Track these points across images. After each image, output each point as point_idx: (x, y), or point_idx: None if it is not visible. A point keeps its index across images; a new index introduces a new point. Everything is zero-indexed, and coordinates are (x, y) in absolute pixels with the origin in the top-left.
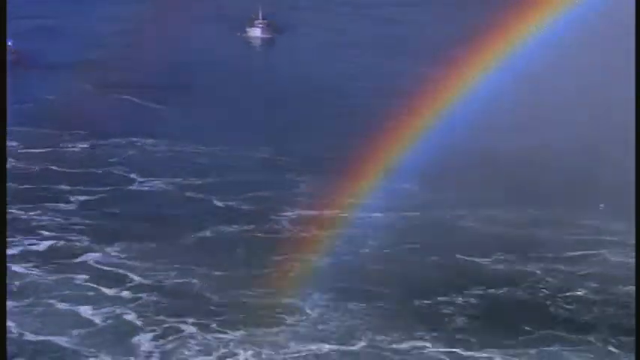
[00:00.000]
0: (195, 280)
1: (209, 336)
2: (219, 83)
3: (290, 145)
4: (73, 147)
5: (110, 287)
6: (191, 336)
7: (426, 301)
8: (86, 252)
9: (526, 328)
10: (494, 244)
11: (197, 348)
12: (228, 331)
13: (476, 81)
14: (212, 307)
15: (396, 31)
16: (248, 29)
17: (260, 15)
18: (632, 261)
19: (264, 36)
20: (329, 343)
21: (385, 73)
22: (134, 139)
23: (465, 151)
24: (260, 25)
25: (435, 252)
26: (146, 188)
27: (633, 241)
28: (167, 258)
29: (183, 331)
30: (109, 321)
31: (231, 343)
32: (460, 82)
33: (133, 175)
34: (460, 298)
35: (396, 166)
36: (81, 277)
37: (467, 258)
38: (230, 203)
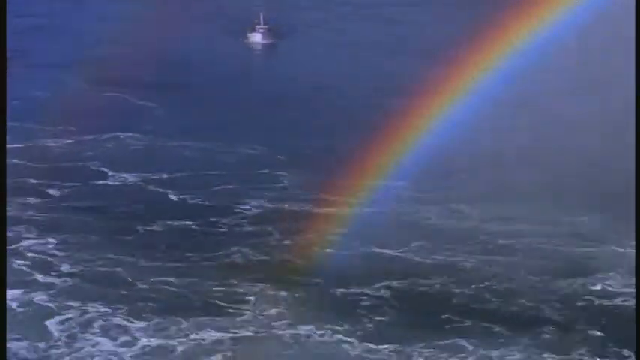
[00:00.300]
0: (120, 269)
1: (119, 321)
2: (216, 83)
3: (283, 143)
4: (53, 142)
5: (37, 274)
6: (100, 320)
7: (350, 291)
8: (26, 241)
9: (450, 320)
10: (446, 239)
11: (103, 332)
12: (139, 318)
13: (475, 81)
14: (130, 294)
15: (396, 31)
16: (249, 34)
17: (261, 20)
18: (578, 251)
19: (265, 41)
20: (242, 332)
21: (385, 72)
22: (120, 134)
23: (462, 151)
24: (261, 31)
25: (377, 245)
26: (115, 183)
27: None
28: (104, 249)
29: (94, 315)
30: (27, 306)
31: (139, 330)
32: (460, 82)
33: (105, 170)
34: (388, 290)
35: (390, 165)
36: (13, 264)
37: (410, 252)
38: (193, 197)
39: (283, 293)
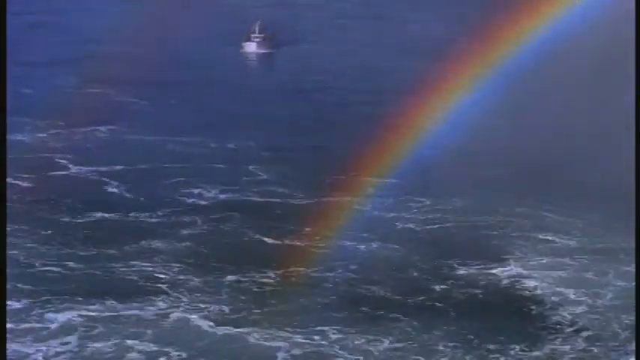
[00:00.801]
0: (17, 252)
1: None
2: (209, 82)
3: (273, 140)
4: (27, 136)
5: None
6: None
7: (244, 279)
8: None
9: (323, 308)
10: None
11: None
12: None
13: (476, 80)
14: (16, 277)
15: (395, 30)
16: (244, 44)
17: (257, 29)
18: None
19: (260, 51)
20: (107, 313)
21: (385, 71)
22: (100, 128)
23: (459, 149)
24: (256, 40)
25: (297, 236)
26: (70, 174)
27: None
28: (15, 236)
29: None
30: None
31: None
32: (460, 81)
33: (67, 163)
34: (282, 278)
35: (383, 163)
36: None
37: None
38: (140, 190)
39: (189, 280)
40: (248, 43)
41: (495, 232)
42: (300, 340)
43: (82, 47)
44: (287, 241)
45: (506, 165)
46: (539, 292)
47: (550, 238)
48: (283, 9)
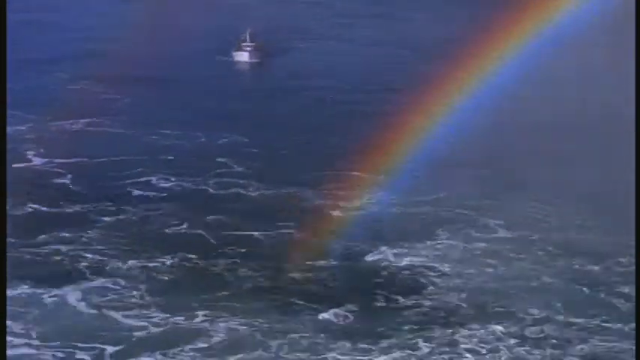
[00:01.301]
0: None
1: None
2: (202, 80)
3: (264, 137)
4: None
5: None
6: None
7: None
8: None
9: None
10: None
11: None
12: None
13: (477, 80)
14: None
15: (396, 30)
16: (234, 53)
17: (248, 37)
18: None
19: (252, 60)
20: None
21: (384, 71)
22: (80, 121)
23: (454, 148)
24: (247, 49)
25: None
26: (30, 165)
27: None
28: None
29: None
30: None
31: None
32: (460, 81)
33: (32, 154)
34: (184, 263)
35: (370, 162)
36: None
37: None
38: (93, 181)
39: (99, 264)
40: (239, 52)
41: (435, 219)
42: (158, 320)
43: (76, 45)
44: (214, 232)
45: (500, 163)
46: (416, 273)
47: (493, 225)
48: (283, 8)
